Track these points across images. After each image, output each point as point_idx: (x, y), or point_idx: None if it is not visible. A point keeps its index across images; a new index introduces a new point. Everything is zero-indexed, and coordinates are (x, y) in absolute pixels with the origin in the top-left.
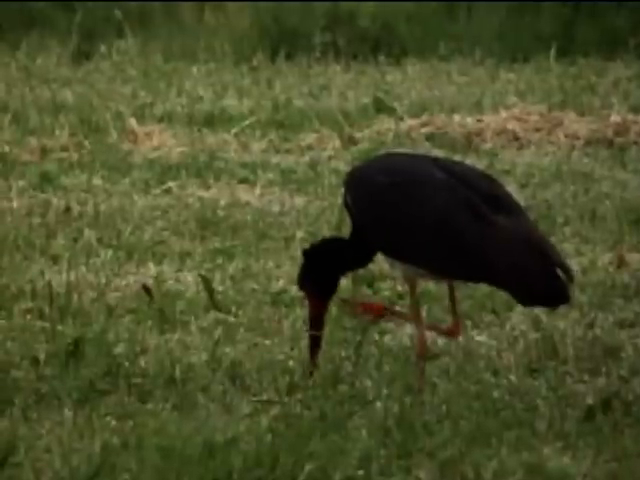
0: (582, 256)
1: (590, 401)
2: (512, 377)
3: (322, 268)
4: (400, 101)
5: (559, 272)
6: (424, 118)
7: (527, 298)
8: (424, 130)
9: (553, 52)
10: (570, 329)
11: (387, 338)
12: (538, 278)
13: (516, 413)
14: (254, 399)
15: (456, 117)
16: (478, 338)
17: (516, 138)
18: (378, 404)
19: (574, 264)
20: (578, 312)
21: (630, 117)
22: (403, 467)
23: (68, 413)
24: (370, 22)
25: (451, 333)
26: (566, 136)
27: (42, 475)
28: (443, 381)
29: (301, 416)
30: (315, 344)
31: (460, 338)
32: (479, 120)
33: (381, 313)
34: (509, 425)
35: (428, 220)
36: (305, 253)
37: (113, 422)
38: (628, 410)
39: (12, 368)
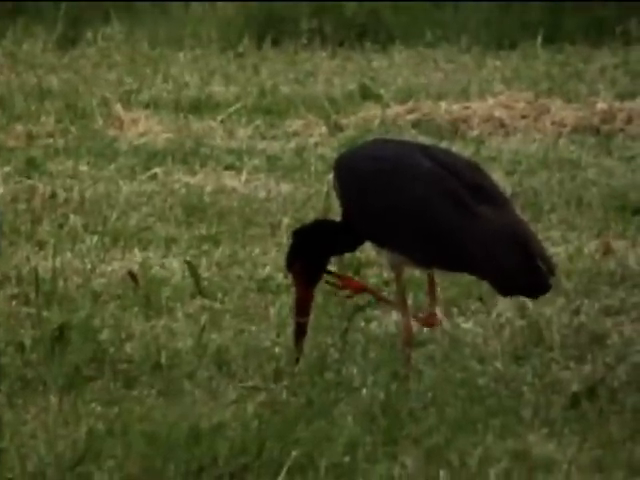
0: (568, 243)
1: (575, 388)
2: (498, 364)
3: (311, 249)
4: (386, 88)
5: (540, 263)
6: (410, 105)
7: (506, 288)
8: (410, 117)
9: (540, 39)
10: (556, 316)
11: (373, 325)
12: (517, 269)
13: (501, 400)
14: (240, 385)
15: (442, 104)
16: (464, 325)
17: (502, 125)
18: (364, 391)
19: (560, 251)
20: (564, 299)
21: (616, 104)
22: (389, 454)
23: (53, 399)
24: (357, 8)
25: (428, 323)
26: (553, 123)
27: (27, 460)
28: (429, 368)
29: (287, 403)
30: (301, 331)
31: (445, 325)
32: (466, 107)
33: (359, 291)
34: (494, 412)
35: (410, 209)
36: (295, 233)
37: (99, 408)
38: (613, 397)
39: (2, 356)
